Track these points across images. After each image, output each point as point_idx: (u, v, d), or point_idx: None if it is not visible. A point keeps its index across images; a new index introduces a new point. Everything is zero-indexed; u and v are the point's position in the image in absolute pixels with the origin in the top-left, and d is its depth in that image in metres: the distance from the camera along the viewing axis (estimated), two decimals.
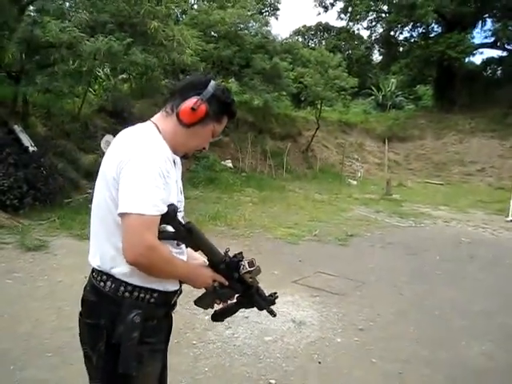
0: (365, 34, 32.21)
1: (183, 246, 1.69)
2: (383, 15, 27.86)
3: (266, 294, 1.81)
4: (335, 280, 5.77)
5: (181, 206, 1.66)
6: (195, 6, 19.44)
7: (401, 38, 28.37)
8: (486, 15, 25.76)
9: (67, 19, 8.62)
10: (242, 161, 16.63)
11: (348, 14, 28.78)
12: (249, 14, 17.23)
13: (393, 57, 28.12)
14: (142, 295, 1.57)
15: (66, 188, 9.12)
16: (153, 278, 1.57)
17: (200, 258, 1.78)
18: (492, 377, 3.54)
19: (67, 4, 10.89)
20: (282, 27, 63.72)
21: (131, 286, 1.56)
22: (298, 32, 35.02)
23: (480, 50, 26.57)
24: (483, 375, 3.55)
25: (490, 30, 25.83)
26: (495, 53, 27.64)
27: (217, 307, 1.80)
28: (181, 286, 1.74)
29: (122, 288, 1.56)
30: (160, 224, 1.50)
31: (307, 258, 6.76)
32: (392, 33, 27.93)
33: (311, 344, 3.93)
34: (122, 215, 1.47)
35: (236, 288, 1.72)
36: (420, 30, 27.14)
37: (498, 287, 5.83)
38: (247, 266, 1.67)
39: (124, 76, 14.97)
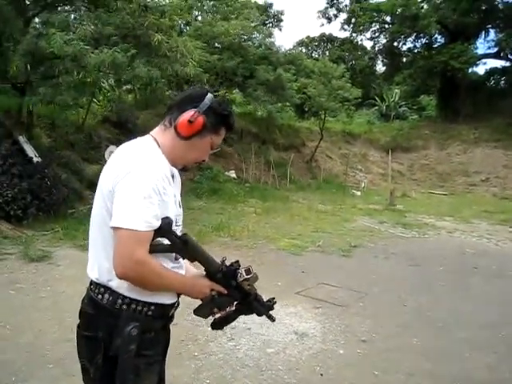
0: (368, 44, 32.53)
1: (181, 260, 1.69)
2: (386, 26, 27.97)
3: (265, 300, 1.81)
4: (338, 291, 5.75)
5: (179, 219, 1.67)
6: (199, 18, 19.58)
7: (404, 48, 28.49)
8: (489, 26, 25.83)
9: (72, 31, 8.69)
10: (246, 171, 16.66)
11: (351, 25, 28.93)
12: (252, 25, 17.36)
13: (396, 67, 28.20)
14: (139, 308, 1.58)
15: (69, 198, 9.14)
16: (150, 291, 1.57)
17: (192, 269, 1.79)
18: None
19: (72, 16, 11.00)
20: (285, 38, 64.05)
21: (128, 299, 1.57)
22: (301, 43, 35.20)
23: (483, 60, 26.72)
24: None
25: (493, 41, 25.93)
26: (498, 63, 27.68)
27: (216, 316, 1.79)
28: (178, 299, 1.74)
29: (120, 301, 1.56)
30: (155, 237, 1.51)
31: (310, 269, 6.75)
32: (395, 43, 28.03)
33: (313, 356, 3.91)
34: (114, 229, 1.48)
35: (234, 296, 1.72)
36: (423, 40, 27.24)
37: (501, 298, 5.79)
38: (244, 274, 1.68)
39: (128, 87, 15.05)
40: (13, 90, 9.97)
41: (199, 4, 18.73)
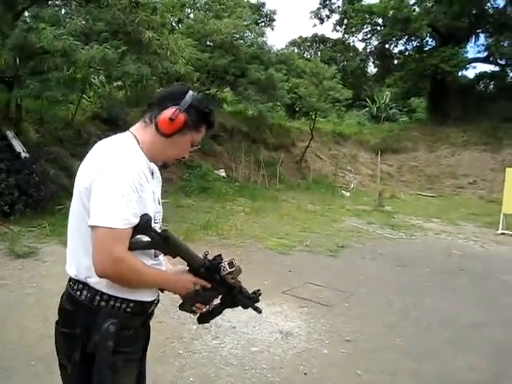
0: (360, 46, 32.49)
1: (161, 257, 1.70)
2: (378, 28, 28.12)
3: (250, 293, 1.81)
4: (324, 291, 5.78)
5: (158, 216, 1.67)
6: (191, 16, 19.53)
7: (395, 50, 28.67)
8: (479, 30, 26.04)
9: (62, 26, 8.62)
10: (236, 170, 16.64)
11: (343, 27, 29.04)
12: (245, 24, 17.33)
13: (387, 69, 28.35)
14: (117, 304, 1.58)
15: (57, 195, 9.08)
16: (128, 287, 1.57)
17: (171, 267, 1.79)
18: None
19: (63, 11, 10.93)
20: (277, 38, 64.17)
21: (107, 296, 1.56)
22: (293, 43, 35.26)
23: (473, 64, 26.84)
24: None
25: (482, 45, 26.16)
26: (488, 67, 27.99)
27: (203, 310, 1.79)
28: (158, 296, 1.74)
29: (98, 297, 1.56)
30: (134, 235, 1.51)
31: (297, 268, 6.77)
32: (387, 45, 28.20)
33: (298, 355, 3.93)
34: (91, 228, 1.48)
35: (219, 290, 1.72)
36: (414, 43, 27.41)
37: (486, 300, 5.85)
38: (228, 268, 1.68)
39: (119, 84, 14.99)
40: (1, 85, 9.87)
41: (192, 1, 18.66)
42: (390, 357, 4.03)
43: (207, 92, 18.86)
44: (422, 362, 3.96)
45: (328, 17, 29.90)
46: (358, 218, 12.00)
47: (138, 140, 1.64)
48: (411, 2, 25.43)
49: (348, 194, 18.11)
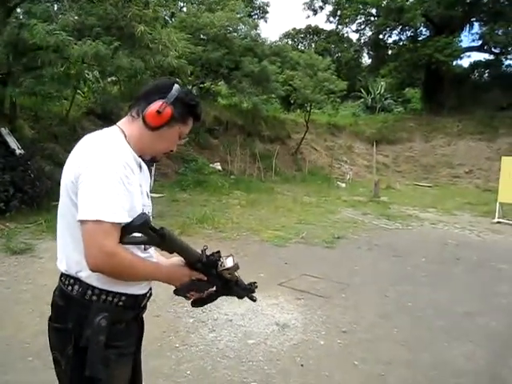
0: (354, 37, 32.61)
1: (151, 250, 1.70)
2: (372, 18, 28.07)
3: (246, 284, 1.82)
4: (320, 282, 5.80)
5: (146, 209, 1.67)
6: (184, 9, 19.44)
7: (389, 41, 28.68)
8: (474, 19, 26.05)
9: (55, 22, 8.58)
10: (231, 163, 16.65)
11: (337, 17, 29.00)
12: (238, 16, 17.27)
13: (382, 60, 28.36)
14: (109, 298, 1.58)
15: (53, 191, 9.04)
16: (120, 281, 1.57)
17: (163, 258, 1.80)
18: (472, 377, 3.58)
19: (55, 7, 10.86)
20: (271, 30, 63.91)
21: (98, 290, 1.57)
22: (287, 35, 35.17)
23: (467, 53, 26.95)
24: (463, 376, 3.58)
25: (477, 34, 26.23)
26: (482, 56, 28.00)
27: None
28: (150, 289, 1.75)
29: (90, 291, 1.56)
30: (131, 233, 1.50)
31: (293, 260, 6.79)
32: (381, 36, 28.19)
33: (294, 347, 3.95)
34: (80, 222, 1.48)
35: (215, 282, 1.72)
36: (408, 33, 27.42)
37: (481, 289, 5.88)
38: (226, 264, 1.68)
39: (113, 78, 14.93)
40: None
41: None
42: (386, 347, 4.06)
43: (201, 85, 18.83)
44: (417, 351, 3.98)
45: (321, 8, 29.89)
46: (353, 209, 12.03)
47: (124, 134, 1.65)
48: None
49: (344, 185, 18.15)
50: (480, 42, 25.92)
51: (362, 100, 30.41)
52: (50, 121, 11.75)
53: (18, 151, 8.86)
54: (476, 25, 26.41)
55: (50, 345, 1.67)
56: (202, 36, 16.36)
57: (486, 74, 27.83)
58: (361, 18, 28.25)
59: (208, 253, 1.69)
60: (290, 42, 32.85)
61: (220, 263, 1.68)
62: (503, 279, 6.37)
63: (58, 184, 1.67)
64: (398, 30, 27.15)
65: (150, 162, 1.78)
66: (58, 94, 9.21)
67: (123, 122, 1.70)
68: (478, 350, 4.02)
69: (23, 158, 8.74)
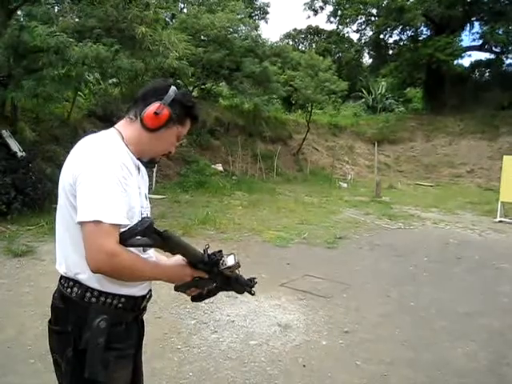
0: (354, 37, 32.59)
1: (150, 250, 1.70)
2: (372, 18, 28.06)
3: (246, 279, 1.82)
4: (322, 283, 5.80)
5: (145, 211, 1.68)
6: (185, 10, 19.46)
7: (390, 41, 28.64)
8: (474, 18, 26.04)
9: (55, 24, 8.60)
10: (233, 164, 16.65)
11: (337, 18, 28.95)
12: (238, 17, 17.28)
13: (382, 60, 28.34)
14: (108, 300, 1.58)
15: (54, 193, 9.02)
16: (119, 283, 1.57)
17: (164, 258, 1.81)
18: (474, 377, 3.57)
19: (56, 9, 10.89)
20: (272, 31, 63.96)
21: (97, 292, 1.57)
22: (288, 35, 35.19)
23: (468, 52, 26.90)
24: (466, 376, 3.58)
25: (477, 33, 26.19)
26: (483, 55, 27.96)
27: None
28: (150, 291, 1.75)
29: (89, 294, 1.57)
30: (134, 237, 1.50)
31: (295, 261, 6.79)
32: (381, 36, 28.16)
33: (296, 347, 3.95)
34: (80, 224, 1.48)
35: (215, 279, 1.73)
36: (409, 33, 27.38)
37: (483, 288, 5.87)
38: (227, 262, 1.68)
39: (114, 80, 14.96)
40: None
41: None
42: (388, 346, 4.05)
43: (202, 86, 18.84)
44: (419, 351, 3.98)
45: (322, 8, 29.85)
46: (355, 209, 12.02)
47: (122, 136, 1.65)
48: None
49: (345, 185, 18.13)
50: (481, 42, 25.91)
51: (363, 100, 30.37)
52: (51, 123, 11.75)
53: (19, 153, 8.87)
54: (476, 24, 26.44)
55: (49, 347, 1.67)
56: (202, 37, 16.38)
57: (487, 74, 27.81)
58: (361, 18, 28.25)
59: (209, 251, 1.69)
60: (290, 43, 32.89)
61: (222, 262, 1.68)
62: (505, 278, 6.36)
63: None
64: (399, 29, 27.13)
65: (149, 163, 1.79)
66: (59, 96, 9.21)
67: (121, 125, 1.71)
68: (480, 350, 4.02)
69: (24, 161, 8.74)
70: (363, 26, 28.78)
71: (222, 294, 1.90)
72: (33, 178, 8.52)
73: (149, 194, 1.84)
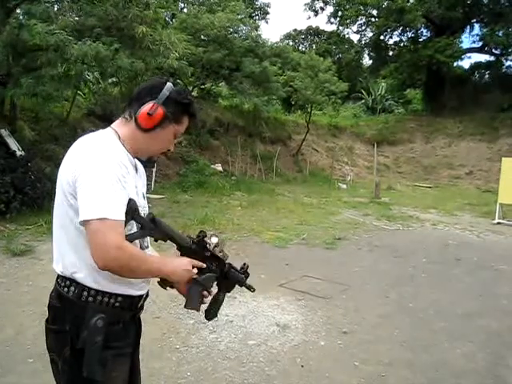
0: (355, 38, 32.56)
1: (147, 250, 1.70)
2: (373, 19, 28.05)
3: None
4: (321, 284, 5.80)
5: (142, 210, 1.67)
6: (185, 10, 19.45)
7: (390, 42, 28.66)
8: (474, 20, 26.05)
9: (54, 22, 8.59)
10: (232, 165, 16.65)
11: (338, 19, 28.95)
12: (238, 17, 17.28)
13: (382, 61, 28.34)
14: (105, 299, 1.58)
15: (53, 192, 8.99)
16: (116, 282, 1.57)
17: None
18: (472, 378, 3.57)
19: (55, 7, 10.87)
20: (272, 31, 63.99)
21: (94, 291, 1.57)
22: (288, 36, 35.19)
23: (468, 54, 26.97)
24: (464, 377, 3.58)
25: (477, 35, 26.21)
26: (483, 57, 27.98)
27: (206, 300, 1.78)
28: (148, 291, 1.75)
29: (86, 293, 1.56)
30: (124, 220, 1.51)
31: (294, 261, 6.78)
32: (382, 37, 28.17)
33: (295, 348, 3.95)
34: (84, 223, 1.47)
35: (212, 268, 1.73)
36: (409, 34, 27.40)
37: (481, 290, 5.87)
38: (212, 242, 1.72)
39: (114, 80, 14.95)
40: None
41: None
42: (386, 347, 4.05)
43: (202, 86, 18.83)
44: (418, 352, 3.98)
45: (322, 9, 29.84)
46: (354, 210, 12.02)
47: (118, 135, 1.65)
48: None
49: (345, 186, 18.14)
50: (480, 44, 25.92)
51: (363, 101, 30.38)
52: (51, 122, 11.74)
53: (18, 152, 8.87)
54: (476, 26, 26.46)
55: (47, 346, 1.67)
56: (202, 37, 16.37)
57: (487, 75, 27.81)
58: (362, 19, 28.24)
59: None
60: (290, 43, 32.87)
61: (209, 242, 1.72)
62: (503, 280, 6.36)
63: None
64: (399, 31, 27.16)
65: (148, 162, 1.79)
66: (59, 95, 9.20)
67: (117, 124, 1.70)
68: (478, 351, 4.02)
69: (23, 160, 8.74)
70: (363, 27, 28.80)
71: None
72: (32, 178, 8.52)
73: (148, 193, 1.85)
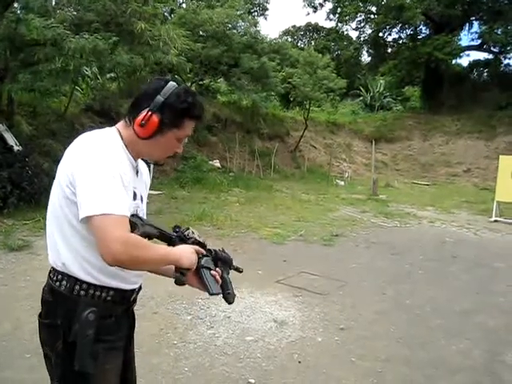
0: (354, 34, 32.42)
1: None
2: (372, 16, 28.00)
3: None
4: (319, 280, 5.81)
5: (140, 214, 1.66)
6: (183, 5, 19.40)
7: (389, 39, 28.58)
8: (473, 18, 26.01)
9: (52, 17, 8.55)
10: (230, 161, 16.64)
11: (337, 15, 28.89)
12: (237, 13, 17.24)
13: (381, 58, 28.31)
14: (97, 293, 1.58)
15: (51, 188, 9.01)
16: (108, 275, 1.57)
17: None
18: (468, 374, 3.59)
19: (53, 2, 10.82)
20: (271, 27, 63.81)
21: (86, 285, 1.57)
22: (287, 32, 35.14)
23: (467, 52, 26.89)
24: (460, 373, 3.59)
25: (476, 33, 26.18)
26: (481, 55, 27.96)
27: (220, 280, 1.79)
28: (140, 284, 1.75)
29: (77, 287, 1.56)
30: None
31: (292, 258, 6.79)
32: (380, 34, 28.09)
33: (292, 344, 3.96)
34: (87, 220, 1.44)
35: (205, 254, 1.75)
36: (408, 31, 27.32)
37: (478, 287, 5.89)
38: (191, 233, 1.74)
39: (112, 75, 14.92)
40: None
41: None
42: (383, 344, 4.06)
43: (200, 82, 18.80)
44: (415, 348, 3.99)
45: (321, 5, 29.81)
46: (352, 207, 12.04)
47: (122, 136, 1.63)
48: None
49: (342, 183, 18.16)
50: (479, 41, 25.90)
51: (361, 98, 30.36)
52: (48, 117, 11.72)
53: (15, 148, 8.85)
54: (475, 24, 26.41)
55: (40, 341, 1.67)
56: (201, 33, 16.33)
57: (485, 73, 27.80)
58: (361, 16, 28.17)
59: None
60: (289, 40, 32.82)
61: (187, 233, 1.73)
62: (500, 277, 6.38)
63: None
64: (398, 28, 27.08)
65: (155, 165, 1.77)
66: (57, 90, 9.18)
67: (121, 125, 1.67)
68: (474, 348, 4.03)
69: (21, 155, 8.72)
70: (362, 24, 28.71)
71: None
72: (29, 173, 8.50)
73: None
